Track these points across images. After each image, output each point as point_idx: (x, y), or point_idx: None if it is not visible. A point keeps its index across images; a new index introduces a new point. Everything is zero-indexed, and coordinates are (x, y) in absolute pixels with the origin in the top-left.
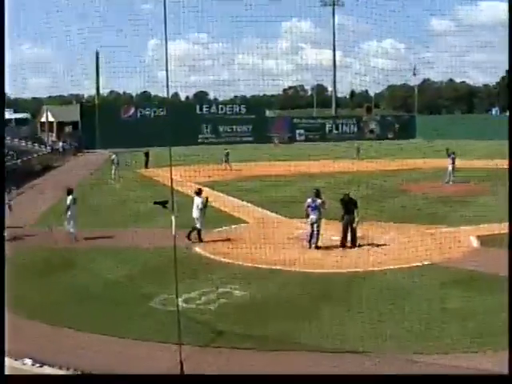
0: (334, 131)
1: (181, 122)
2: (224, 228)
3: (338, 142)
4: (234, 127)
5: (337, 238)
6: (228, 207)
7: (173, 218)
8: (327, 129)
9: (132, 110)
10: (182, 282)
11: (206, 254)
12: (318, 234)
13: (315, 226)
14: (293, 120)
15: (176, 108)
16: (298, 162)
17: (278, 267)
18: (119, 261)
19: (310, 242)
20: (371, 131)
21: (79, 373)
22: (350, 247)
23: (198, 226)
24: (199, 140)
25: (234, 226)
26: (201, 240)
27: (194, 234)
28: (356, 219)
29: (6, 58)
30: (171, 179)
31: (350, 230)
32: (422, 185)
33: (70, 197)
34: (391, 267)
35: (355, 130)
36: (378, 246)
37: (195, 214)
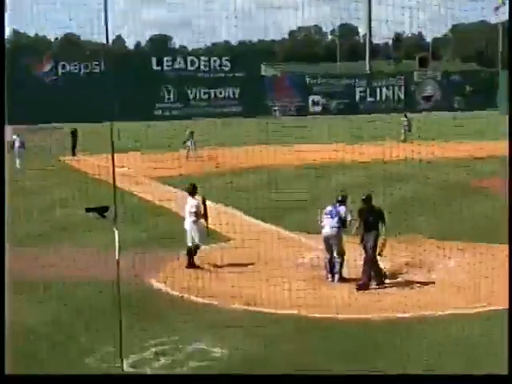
0: (369, 98)
1: (128, 84)
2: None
3: (375, 115)
4: (212, 92)
5: None
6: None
7: (116, 232)
8: (358, 94)
9: (49, 64)
10: (131, 333)
11: (168, 290)
12: (342, 259)
13: (334, 245)
14: (304, 80)
15: (120, 62)
16: (309, 146)
17: (279, 311)
18: (32, 300)
19: (331, 271)
20: (427, 97)
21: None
22: (377, 285)
23: (189, 243)
24: (157, 112)
25: (211, 247)
26: (191, 265)
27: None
28: (381, 237)
29: None
30: (113, 173)
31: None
32: (506, 181)
33: None
34: (453, 312)
35: (402, 95)
36: (432, 279)
37: (188, 224)
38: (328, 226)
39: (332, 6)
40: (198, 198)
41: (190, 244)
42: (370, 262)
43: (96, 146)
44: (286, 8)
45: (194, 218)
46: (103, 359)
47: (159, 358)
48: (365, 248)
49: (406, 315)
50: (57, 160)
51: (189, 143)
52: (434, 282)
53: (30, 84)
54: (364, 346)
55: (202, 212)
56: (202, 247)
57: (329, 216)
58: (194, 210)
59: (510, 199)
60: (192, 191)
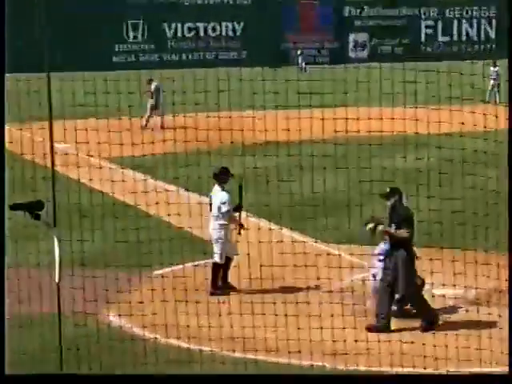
0: (441, 36)
1: (72, 17)
2: (178, 268)
3: (450, 61)
4: (201, 27)
5: (442, 292)
6: (188, 218)
7: (56, 242)
8: (424, 30)
9: None
10: None
11: (135, 330)
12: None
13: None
14: (342, 9)
15: None
16: (351, 111)
17: (304, 361)
18: None
19: None
20: None
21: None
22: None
23: (216, 257)
24: (117, 58)
25: (204, 263)
26: (227, 286)
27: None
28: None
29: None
30: (51, 151)
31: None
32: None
33: None
34: None
35: (491, 32)
36: None
37: (215, 230)
38: (381, 272)
39: None
40: (228, 188)
41: (215, 258)
42: (413, 289)
43: (24, 110)
44: None
45: (222, 221)
46: None
47: None
48: (395, 267)
49: (496, 369)
50: None
51: (149, 103)
52: None
53: None
54: None
55: (239, 206)
56: (186, 266)
57: (382, 256)
58: (225, 208)
59: (509, 202)
60: (221, 178)
